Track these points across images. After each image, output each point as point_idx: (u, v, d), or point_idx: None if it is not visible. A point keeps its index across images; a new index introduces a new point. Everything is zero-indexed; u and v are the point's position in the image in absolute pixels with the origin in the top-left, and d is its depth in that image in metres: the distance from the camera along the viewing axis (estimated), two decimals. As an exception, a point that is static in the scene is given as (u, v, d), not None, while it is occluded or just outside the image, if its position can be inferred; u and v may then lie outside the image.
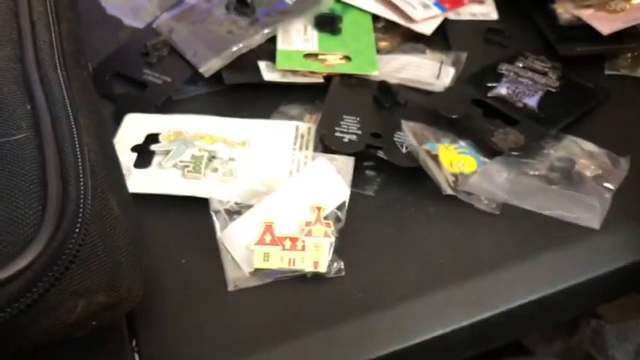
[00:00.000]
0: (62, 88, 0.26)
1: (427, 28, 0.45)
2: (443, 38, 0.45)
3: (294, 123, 0.38)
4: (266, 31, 0.42)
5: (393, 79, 0.41)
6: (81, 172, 0.23)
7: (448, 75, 0.42)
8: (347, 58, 0.42)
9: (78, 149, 0.24)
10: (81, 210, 0.22)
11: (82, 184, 0.22)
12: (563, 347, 0.63)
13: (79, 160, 0.23)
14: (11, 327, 0.21)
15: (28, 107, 0.24)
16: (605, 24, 0.42)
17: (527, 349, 0.66)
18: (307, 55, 0.42)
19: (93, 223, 0.24)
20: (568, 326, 0.62)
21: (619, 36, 0.42)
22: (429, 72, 0.42)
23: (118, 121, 0.38)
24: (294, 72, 0.41)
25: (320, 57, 0.42)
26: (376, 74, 0.41)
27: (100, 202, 0.26)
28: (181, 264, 0.32)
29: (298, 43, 0.43)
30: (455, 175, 0.34)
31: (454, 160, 0.34)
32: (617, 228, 0.33)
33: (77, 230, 0.21)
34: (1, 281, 0.20)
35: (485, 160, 0.35)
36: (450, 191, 0.33)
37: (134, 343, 0.29)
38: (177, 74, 0.41)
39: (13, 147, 0.23)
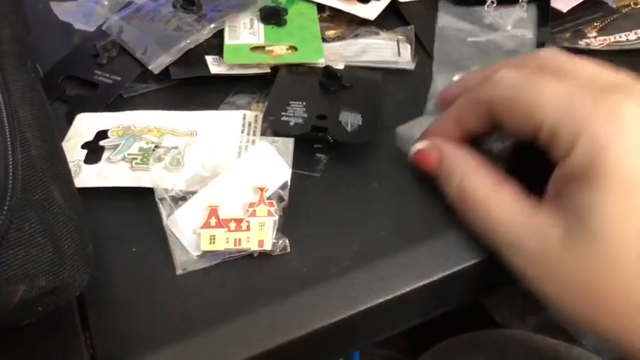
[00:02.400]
0: (-4, 85, 0.27)
1: (371, 13, 0.46)
2: (391, 20, 0.47)
3: (241, 112, 0.39)
4: (212, 25, 0.43)
5: (356, 63, 0.43)
6: (11, 160, 0.24)
7: (407, 50, 0.44)
8: (293, 48, 0.43)
9: (9, 140, 0.25)
10: (8, 195, 0.22)
11: (11, 171, 0.23)
12: (537, 321, 0.65)
13: (9, 149, 0.24)
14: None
15: (-40, 103, 0.25)
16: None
17: (501, 326, 0.67)
18: (254, 48, 0.43)
19: (32, 211, 0.25)
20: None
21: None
22: (389, 51, 0.44)
23: (70, 121, 0.39)
24: (241, 64, 0.42)
25: (267, 49, 0.43)
26: (322, 62, 0.42)
27: (42, 193, 0.27)
28: (132, 252, 0.33)
29: (245, 37, 0.44)
30: None
31: None
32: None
33: (4, 213, 0.22)
34: None
35: None
36: None
37: (86, 331, 0.30)
38: (127, 73, 0.42)
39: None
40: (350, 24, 0.47)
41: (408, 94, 0.42)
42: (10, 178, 0.23)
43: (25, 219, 0.25)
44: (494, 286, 0.36)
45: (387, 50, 0.44)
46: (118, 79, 0.41)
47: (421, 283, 0.31)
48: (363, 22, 0.46)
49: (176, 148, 0.35)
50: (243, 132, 0.37)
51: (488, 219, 0.30)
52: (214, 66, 0.41)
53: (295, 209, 0.34)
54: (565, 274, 0.26)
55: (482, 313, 0.70)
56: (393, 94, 0.41)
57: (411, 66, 0.43)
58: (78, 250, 0.27)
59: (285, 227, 0.32)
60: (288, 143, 0.35)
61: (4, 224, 0.22)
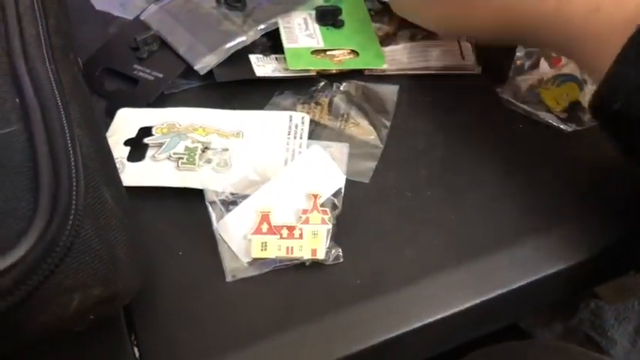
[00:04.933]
0: (51, 81, 0.26)
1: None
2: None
3: (287, 113, 0.38)
4: (260, 27, 0.41)
5: (421, 70, 0.41)
6: (73, 163, 0.23)
7: (469, 51, 0.42)
8: (354, 52, 0.41)
9: (69, 141, 0.23)
10: (74, 201, 0.21)
11: (74, 175, 0.22)
12: (563, 329, 0.64)
13: (71, 151, 0.23)
14: (7, 321, 0.21)
15: (17, 100, 0.24)
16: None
17: (525, 332, 0.66)
18: (314, 52, 0.41)
19: (86, 217, 0.24)
20: (567, 308, 0.62)
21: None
22: (454, 54, 0.42)
23: (110, 116, 0.38)
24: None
25: (328, 53, 0.41)
26: (384, 67, 0.41)
27: (94, 196, 0.26)
28: (178, 256, 0.32)
29: (303, 40, 0.41)
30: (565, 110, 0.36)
31: (557, 95, 0.36)
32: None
33: (70, 222, 0.21)
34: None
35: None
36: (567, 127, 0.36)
37: (133, 336, 0.29)
38: (169, 70, 0.40)
39: (3, 140, 0.22)
40: (401, 21, 0.45)
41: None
42: (74, 180, 0.22)
43: (81, 225, 0.24)
44: (539, 305, 0.35)
45: (451, 53, 0.42)
46: (160, 75, 0.40)
47: (473, 302, 0.30)
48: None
49: (227, 150, 0.34)
50: (289, 134, 0.36)
51: None
52: (259, 67, 0.40)
53: (347, 217, 0.32)
54: None
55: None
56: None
57: (478, 70, 0.41)
58: (130, 256, 0.26)
59: (337, 236, 0.31)
60: (343, 149, 0.34)
61: (70, 232, 0.21)
